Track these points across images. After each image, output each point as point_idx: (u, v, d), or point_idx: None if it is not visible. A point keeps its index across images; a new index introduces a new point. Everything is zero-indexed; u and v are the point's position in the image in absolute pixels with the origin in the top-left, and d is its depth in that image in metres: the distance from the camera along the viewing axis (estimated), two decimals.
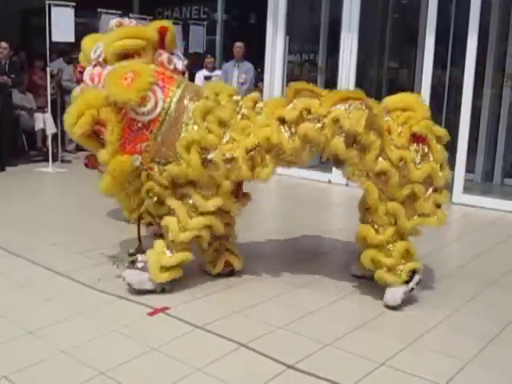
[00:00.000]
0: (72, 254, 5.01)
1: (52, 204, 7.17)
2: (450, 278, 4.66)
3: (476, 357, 3.40)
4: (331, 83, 9.22)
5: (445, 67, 9.06)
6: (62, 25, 8.78)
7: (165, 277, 4.10)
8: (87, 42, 4.70)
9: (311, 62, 10.58)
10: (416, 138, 4.09)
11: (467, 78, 7.47)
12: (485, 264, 5.14)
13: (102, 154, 4.17)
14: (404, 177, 4.02)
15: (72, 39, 8.98)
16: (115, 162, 4.13)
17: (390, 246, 4.05)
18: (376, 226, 4.08)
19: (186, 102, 4.21)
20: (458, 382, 3.12)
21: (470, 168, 8.07)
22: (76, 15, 8.94)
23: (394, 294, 4.04)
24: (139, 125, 4.16)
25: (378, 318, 3.92)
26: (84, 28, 11.30)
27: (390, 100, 4.34)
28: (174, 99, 4.18)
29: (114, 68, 4.27)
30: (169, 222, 4.12)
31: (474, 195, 7.54)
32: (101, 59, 4.45)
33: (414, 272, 4.09)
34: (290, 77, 9.42)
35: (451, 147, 7.74)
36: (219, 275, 4.48)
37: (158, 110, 4.14)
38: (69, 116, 4.15)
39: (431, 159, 4.10)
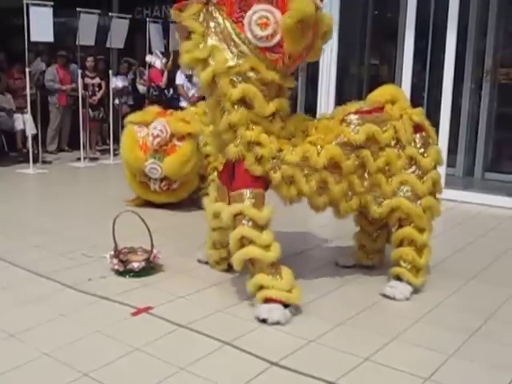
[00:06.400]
0: (53, 255, 4.97)
1: (33, 205, 7.11)
2: (432, 273, 4.68)
3: (458, 350, 3.43)
4: (312, 81, 9.27)
5: (425, 63, 9.12)
6: (40, 24, 8.70)
7: (298, 295, 3.86)
8: None
9: None
10: (417, 128, 4.33)
11: (447, 74, 7.52)
12: (466, 258, 5.19)
13: None
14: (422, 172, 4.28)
15: (51, 39, 8.91)
16: None
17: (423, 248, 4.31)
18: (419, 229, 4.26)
19: None
20: (440, 375, 3.14)
21: (451, 162, 8.13)
22: (55, 15, 8.87)
23: (404, 290, 4.19)
24: None
25: (360, 313, 3.93)
26: (63, 27, 11.26)
27: (377, 95, 4.48)
28: None
29: None
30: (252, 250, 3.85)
31: (455, 189, 7.60)
32: None
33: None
34: None
35: None
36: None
37: None
38: None
39: (430, 141, 4.39)
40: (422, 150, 4.30)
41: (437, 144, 4.51)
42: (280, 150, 4.01)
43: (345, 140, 4.13)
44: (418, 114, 4.38)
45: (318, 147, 4.08)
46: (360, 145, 4.12)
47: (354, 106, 4.42)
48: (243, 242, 3.86)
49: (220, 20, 3.94)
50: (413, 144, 4.29)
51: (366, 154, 4.14)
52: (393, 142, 4.24)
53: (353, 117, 4.24)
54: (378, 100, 4.42)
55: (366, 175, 4.18)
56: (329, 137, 4.13)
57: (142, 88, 10.93)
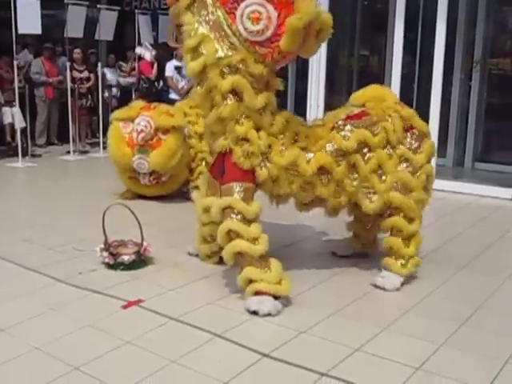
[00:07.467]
0: (43, 249, 4.94)
1: (22, 199, 7.07)
2: (423, 263, 4.69)
3: (449, 339, 3.44)
4: (303, 71, 9.26)
5: (414, 54, 9.12)
6: (28, 16, 8.61)
7: (287, 287, 3.87)
8: None
9: None
10: (408, 126, 4.35)
11: (437, 64, 7.52)
12: (456, 248, 5.21)
13: None
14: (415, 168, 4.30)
15: (39, 31, 8.83)
16: None
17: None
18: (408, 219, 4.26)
19: None
20: (431, 365, 3.15)
21: (441, 153, 8.14)
22: (42, 7, 8.79)
23: (395, 280, 4.20)
24: None
25: (351, 304, 3.94)
26: (51, 20, 11.16)
27: (359, 96, 4.55)
28: None
29: None
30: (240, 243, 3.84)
31: (445, 180, 7.61)
32: None
33: None
34: None
35: None
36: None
37: None
38: None
39: (423, 137, 4.40)
40: (415, 147, 4.31)
41: (430, 138, 4.51)
42: (269, 146, 4.00)
43: (335, 147, 4.13)
44: (407, 113, 4.39)
45: (309, 154, 4.08)
46: (351, 151, 4.13)
47: (343, 111, 4.42)
48: (231, 235, 3.86)
49: (212, 9, 3.91)
50: (404, 142, 4.30)
51: (357, 158, 4.16)
52: (384, 144, 4.25)
53: (343, 123, 4.25)
54: (359, 101, 4.46)
55: (356, 175, 4.18)
56: (320, 143, 4.14)
57: (122, 80, 10.92)
